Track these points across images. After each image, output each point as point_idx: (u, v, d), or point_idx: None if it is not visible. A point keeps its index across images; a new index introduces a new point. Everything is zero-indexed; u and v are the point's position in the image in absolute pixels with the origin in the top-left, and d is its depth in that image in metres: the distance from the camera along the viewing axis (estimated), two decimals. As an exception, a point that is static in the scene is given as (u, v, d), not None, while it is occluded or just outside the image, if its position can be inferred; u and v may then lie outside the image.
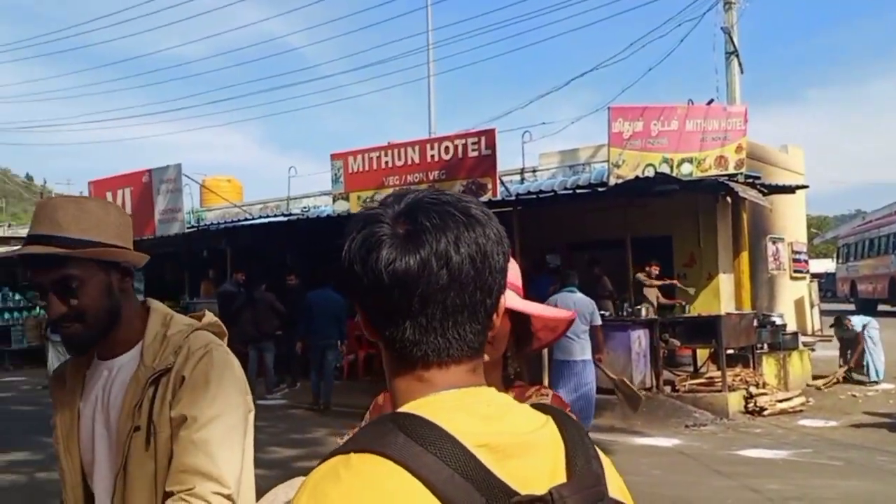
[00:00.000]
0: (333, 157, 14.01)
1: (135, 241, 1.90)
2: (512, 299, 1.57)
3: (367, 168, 13.61)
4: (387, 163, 13.35)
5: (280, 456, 8.75)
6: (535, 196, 12.33)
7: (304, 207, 18.88)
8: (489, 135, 12.37)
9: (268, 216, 18.01)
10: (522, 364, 1.79)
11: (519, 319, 1.67)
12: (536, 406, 1.00)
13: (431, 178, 12.80)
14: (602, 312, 11.50)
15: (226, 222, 18.20)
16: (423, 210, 0.97)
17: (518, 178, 15.95)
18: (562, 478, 0.90)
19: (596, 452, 0.97)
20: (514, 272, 1.65)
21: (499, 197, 12.14)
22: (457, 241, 0.95)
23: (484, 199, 12.18)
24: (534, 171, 16.18)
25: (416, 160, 13.03)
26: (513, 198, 12.17)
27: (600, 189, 11.75)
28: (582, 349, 8.97)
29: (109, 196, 16.45)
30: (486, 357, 1.12)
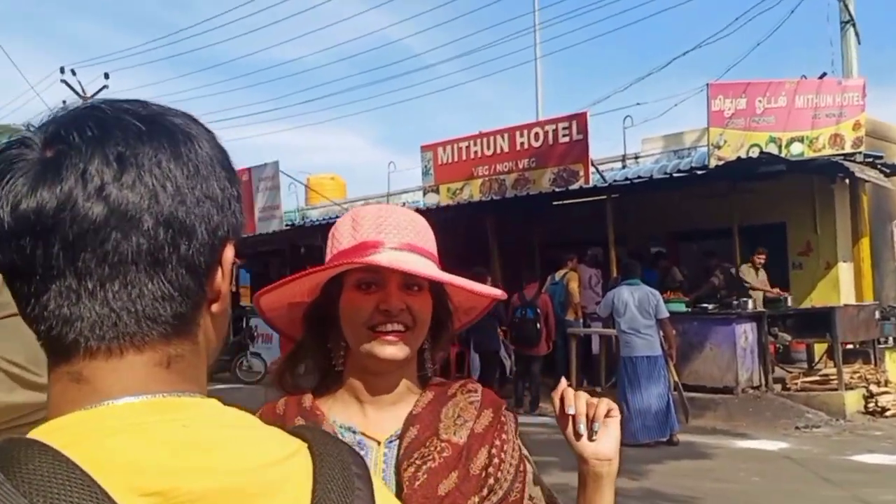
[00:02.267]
0: (423, 148, 13.78)
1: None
2: (436, 271, 1.36)
3: (456, 159, 13.30)
4: (476, 152, 12.99)
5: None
6: (628, 182, 11.63)
7: (404, 202, 18.77)
8: (580, 119, 11.80)
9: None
10: (437, 356, 1.48)
11: (438, 297, 1.41)
12: (295, 431, 0.72)
13: (521, 166, 12.37)
14: (704, 305, 10.78)
15: (324, 219, 18.29)
16: (78, 122, 0.67)
17: (619, 164, 15.27)
18: None
19: (367, 492, 0.69)
20: (429, 238, 1.41)
21: (591, 184, 11.55)
22: (121, 161, 0.65)
23: (575, 186, 11.63)
24: (636, 158, 15.41)
25: (506, 148, 12.60)
26: (606, 185, 11.53)
27: (699, 172, 10.95)
28: (648, 345, 8.44)
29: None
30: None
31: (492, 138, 12.83)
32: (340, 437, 1.29)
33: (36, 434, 0.62)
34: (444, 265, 1.42)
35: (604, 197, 11.60)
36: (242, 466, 0.63)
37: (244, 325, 14.90)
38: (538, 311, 10.50)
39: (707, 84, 10.97)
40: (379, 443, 1.33)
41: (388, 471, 1.30)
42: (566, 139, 11.81)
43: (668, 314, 8.62)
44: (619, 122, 15.29)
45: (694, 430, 9.18)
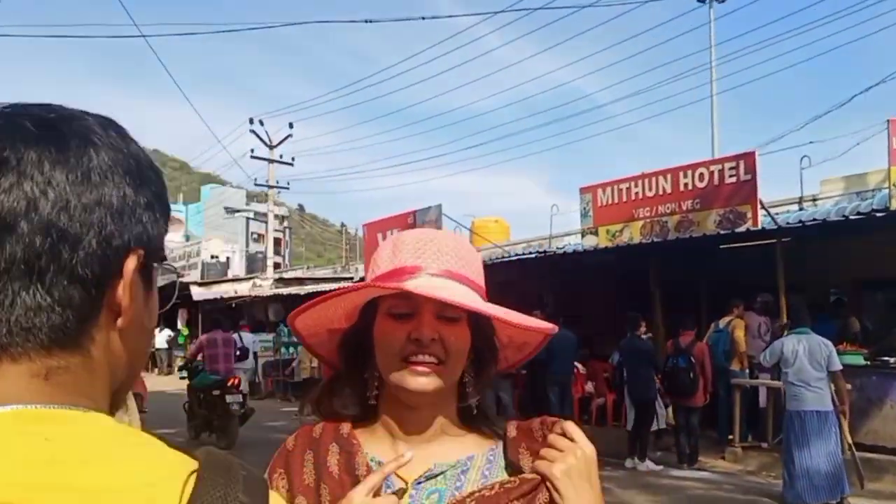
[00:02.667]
0: (582, 190, 13.54)
1: None
2: (473, 300, 1.25)
3: (616, 200, 12.95)
4: (637, 193, 12.60)
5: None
6: (800, 225, 10.85)
7: (566, 245, 18.56)
8: (748, 159, 11.17)
9: (527, 254, 17.91)
10: (477, 391, 1.34)
11: (480, 329, 1.29)
12: (195, 453, 0.67)
13: (685, 207, 11.85)
14: (885, 359, 9.85)
15: (487, 261, 18.38)
16: None
17: (796, 206, 14.36)
18: None
19: None
20: (475, 265, 1.34)
21: (759, 226, 10.87)
22: (1, 165, 0.64)
23: (742, 228, 11.01)
24: (814, 200, 14.43)
25: (668, 189, 12.13)
26: (776, 227, 10.81)
27: (879, 214, 10.05)
28: (818, 399, 7.70)
29: (380, 237, 17.47)
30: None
31: (654, 179, 12.40)
32: (372, 470, 1.24)
33: None
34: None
35: (773, 241, 10.88)
36: (102, 485, 0.59)
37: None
38: (692, 359, 9.98)
39: (888, 120, 10.09)
40: (406, 483, 1.24)
41: None
42: (733, 179, 11.21)
43: (840, 366, 7.89)
44: (797, 161, 14.36)
45: (870, 495, 8.29)
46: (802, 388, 7.72)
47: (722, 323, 11.08)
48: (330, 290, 1.36)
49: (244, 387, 13.20)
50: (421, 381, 1.22)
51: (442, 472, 1.24)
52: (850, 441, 8.22)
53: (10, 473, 0.57)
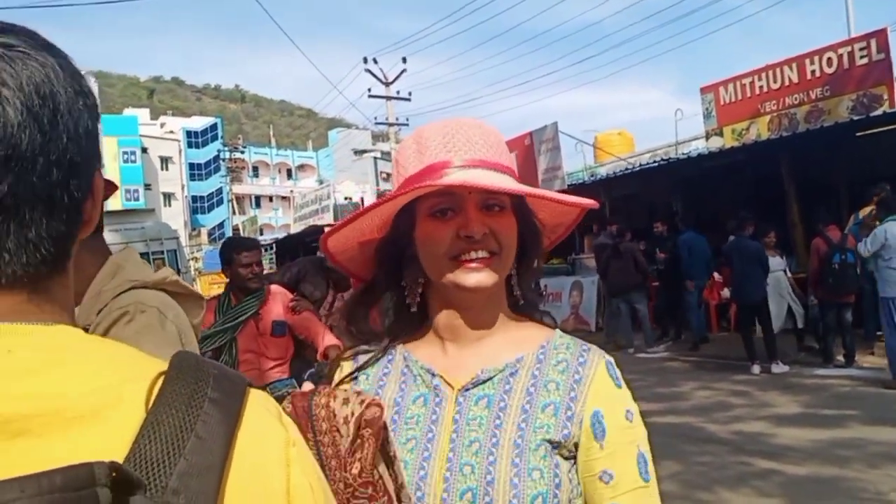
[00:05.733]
0: (703, 90, 13.06)
1: None
2: (515, 185, 1.19)
3: (740, 97, 12.42)
4: (761, 87, 12.04)
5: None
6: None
7: (690, 150, 17.97)
8: (880, 36, 10.44)
9: (649, 164, 17.48)
10: (528, 282, 1.30)
11: (522, 216, 1.25)
12: (177, 357, 0.66)
13: (813, 96, 11.24)
14: None
15: (611, 174, 18.07)
16: None
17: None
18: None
19: (220, 417, 0.61)
20: (503, 150, 1.26)
21: (897, 108, 10.20)
22: None
23: (878, 112, 10.34)
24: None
25: (795, 79, 11.52)
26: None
27: None
28: None
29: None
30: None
31: (778, 70, 11.79)
32: (417, 380, 1.24)
33: None
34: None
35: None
36: (64, 391, 0.58)
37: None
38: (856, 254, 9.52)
39: None
40: (452, 388, 1.21)
41: (460, 420, 1.18)
42: (864, 61, 10.51)
43: None
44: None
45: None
46: None
47: (862, 214, 10.49)
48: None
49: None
50: (477, 276, 1.17)
51: (490, 378, 1.20)
52: None
53: None
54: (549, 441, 1.15)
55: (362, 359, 1.32)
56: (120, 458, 0.55)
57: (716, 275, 11.93)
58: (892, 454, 5.95)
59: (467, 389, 1.20)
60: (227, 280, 4.39)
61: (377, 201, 1.22)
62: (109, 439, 0.57)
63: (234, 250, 4.25)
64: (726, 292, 12.07)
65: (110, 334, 1.55)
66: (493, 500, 1.10)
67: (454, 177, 1.17)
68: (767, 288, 10.01)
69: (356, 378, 1.30)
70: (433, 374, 1.22)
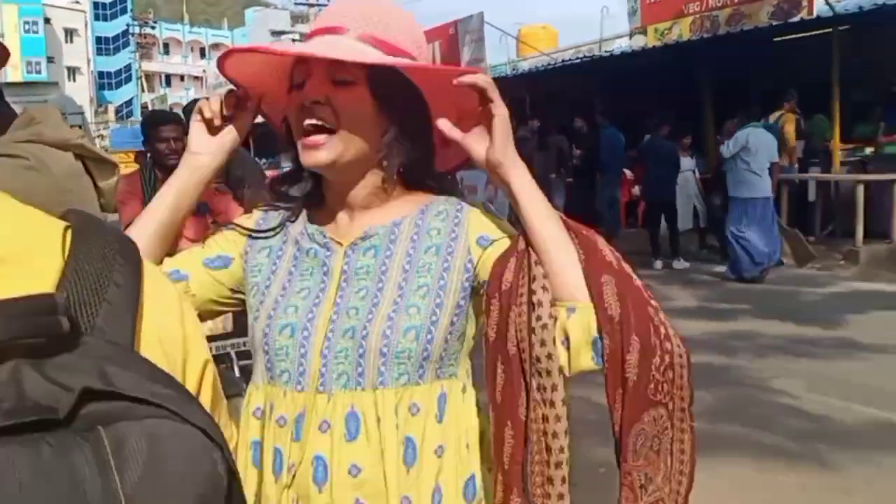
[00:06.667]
0: (630, -13, 12.97)
1: None
2: (364, 55, 1.15)
3: (664, -4, 12.40)
4: (685, -13, 12.02)
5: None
6: (860, 11, 10.25)
7: (614, 48, 17.95)
8: (805, -60, 10.48)
9: (572, 60, 17.42)
10: (393, 163, 1.23)
11: (391, 97, 1.19)
12: (63, 214, 0.66)
13: (736, 0, 11.30)
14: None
15: (534, 69, 17.96)
16: None
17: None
18: None
19: (130, 268, 0.64)
20: (399, 28, 1.20)
21: (815, 15, 10.36)
22: None
23: (795, 19, 10.50)
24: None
25: (719, -19, 11.54)
26: (832, 15, 10.25)
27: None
28: (767, 186, 8.91)
29: (424, 50, 17.11)
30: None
31: (704, -30, 11.79)
32: (310, 240, 1.26)
33: None
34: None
35: (829, 30, 10.36)
36: None
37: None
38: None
39: None
40: (341, 244, 1.24)
41: (349, 271, 1.22)
42: (787, -35, 10.59)
43: (777, 159, 9.16)
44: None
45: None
46: (757, 175, 8.80)
47: (772, 118, 10.80)
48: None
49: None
50: (314, 155, 1.17)
51: (377, 234, 1.23)
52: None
53: None
54: (430, 282, 1.19)
55: (272, 215, 1.33)
56: None
57: (627, 172, 12.18)
58: (777, 345, 6.36)
59: (355, 245, 1.24)
60: (149, 156, 4.23)
61: (238, 47, 1.23)
62: (35, 283, 0.57)
63: (152, 124, 4.12)
64: (637, 190, 12.36)
65: None
66: (368, 333, 1.16)
67: (302, 46, 1.16)
68: (676, 188, 10.31)
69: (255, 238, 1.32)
70: (324, 235, 1.26)
